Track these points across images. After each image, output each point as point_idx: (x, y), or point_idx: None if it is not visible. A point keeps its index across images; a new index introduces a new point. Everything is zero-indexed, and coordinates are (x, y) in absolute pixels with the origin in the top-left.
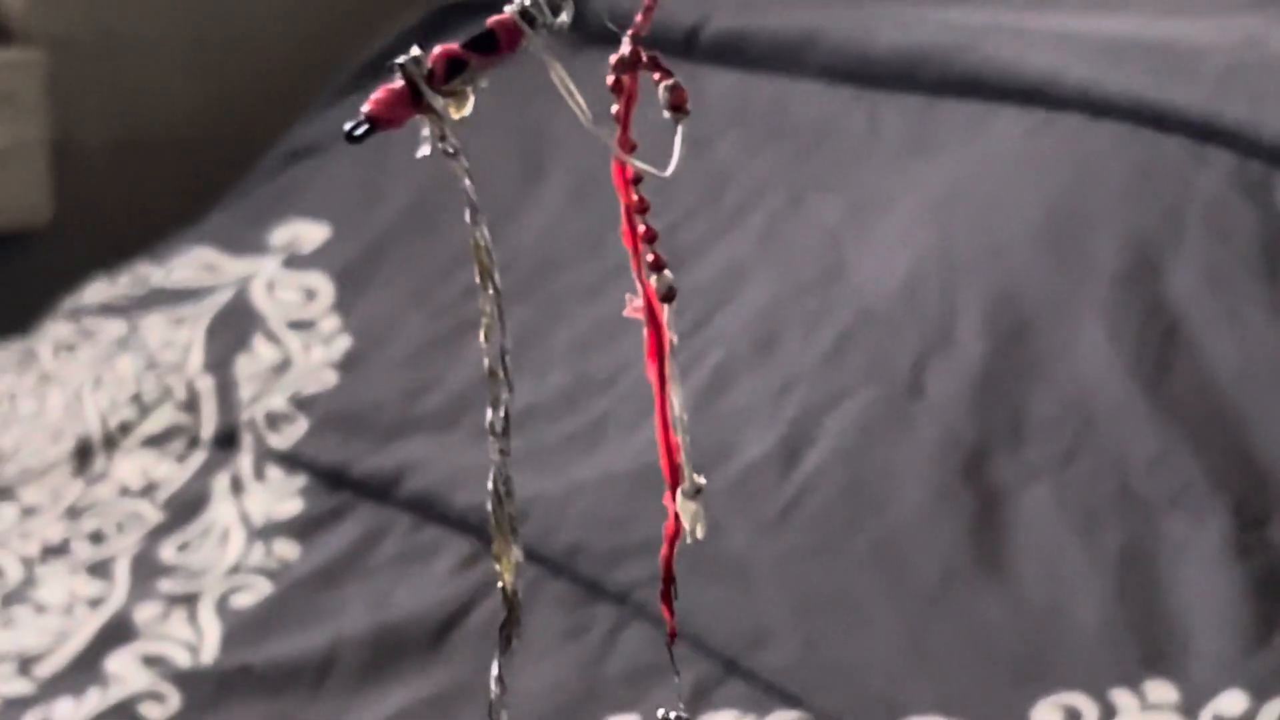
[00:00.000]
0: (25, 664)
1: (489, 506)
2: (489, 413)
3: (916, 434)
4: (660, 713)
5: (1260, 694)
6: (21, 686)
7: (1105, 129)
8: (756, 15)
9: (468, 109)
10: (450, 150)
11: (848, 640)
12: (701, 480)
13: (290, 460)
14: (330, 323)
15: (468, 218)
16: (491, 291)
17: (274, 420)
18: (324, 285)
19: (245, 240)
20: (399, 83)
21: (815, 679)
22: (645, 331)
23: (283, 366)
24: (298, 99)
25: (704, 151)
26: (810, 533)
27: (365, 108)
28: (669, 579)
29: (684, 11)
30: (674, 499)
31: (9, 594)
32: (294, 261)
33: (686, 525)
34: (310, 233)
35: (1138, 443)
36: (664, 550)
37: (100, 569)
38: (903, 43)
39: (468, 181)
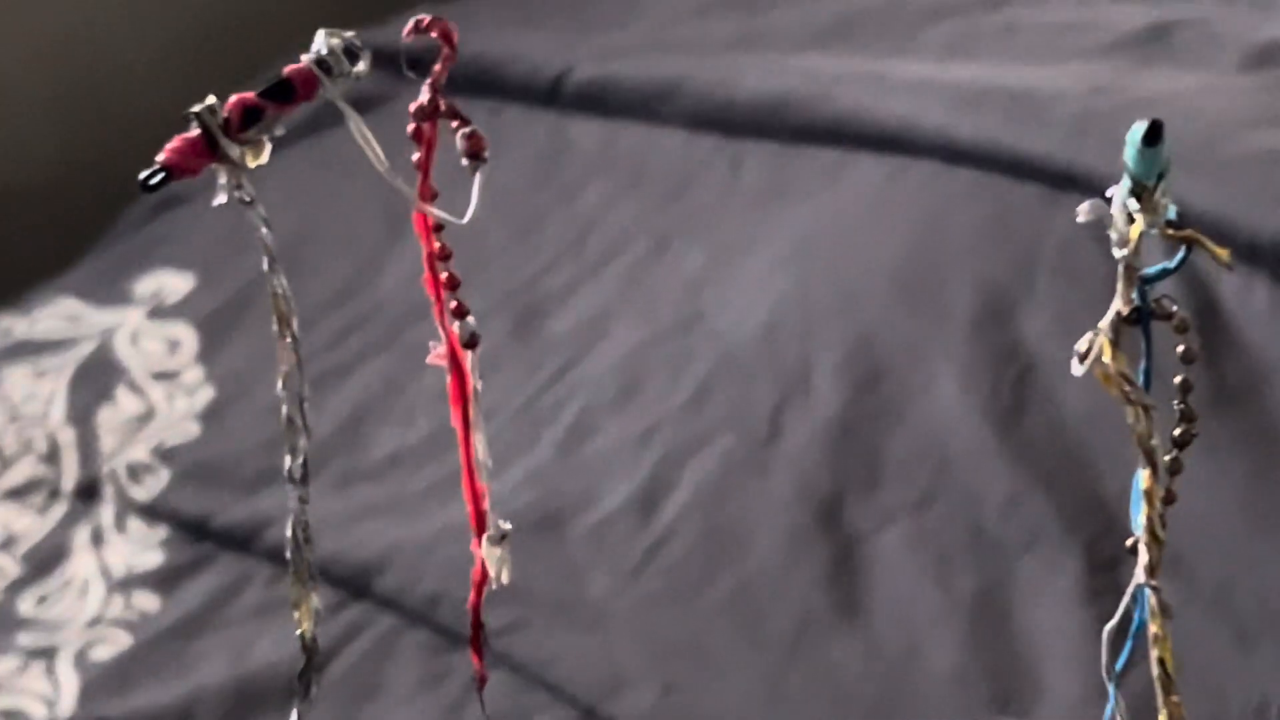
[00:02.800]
0: None
1: (288, 554)
2: (287, 460)
3: (774, 480)
4: None
5: None
6: None
7: (960, 175)
8: (621, 64)
9: (264, 157)
10: (246, 199)
11: (704, 687)
12: (506, 526)
13: (151, 512)
14: (193, 374)
15: (265, 266)
16: (289, 340)
17: (136, 472)
18: (188, 336)
19: (109, 291)
20: (195, 131)
21: None
22: (449, 378)
23: (145, 418)
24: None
25: (568, 200)
26: (668, 580)
27: (160, 156)
28: (477, 625)
29: (549, 60)
30: (480, 545)
31: None
32: (158, 312)
33: (492, 571)
34: (175, 283)
35: (991, 486)
36: (472, 597)
37: None
38: (763, 90)
39: (264, 230)
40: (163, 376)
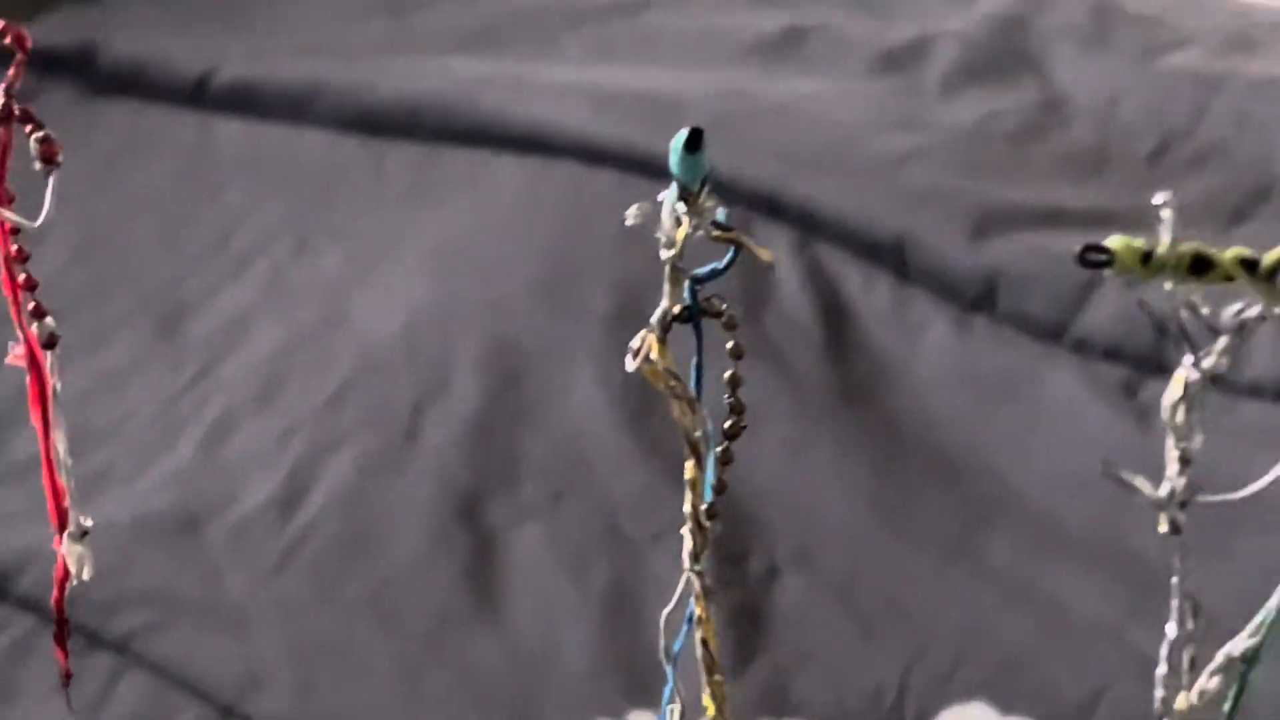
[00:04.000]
0: None
1: None
2: None
3: (413, 478)
4: None
5: None
6: None
7: (600, 177)
8: (265, 65)
9: None
10: None
11: (342, 687)
12: (88, 523)
13: None
14: None
15: None
16: None
17: None
18: None
19: None
20: None
21: None
22: (28, 379)
23: None
24: None
25: (212, 200)
26: (307, 579)
27: None
28: (62, 622)
29: (193, 60)
30: (61, 543)
31: None
32: None
33: (73, 569)
34: None
35: (624, 481)
36: (55, 594)
37: None
38: (405, 92)
39: None
40: None
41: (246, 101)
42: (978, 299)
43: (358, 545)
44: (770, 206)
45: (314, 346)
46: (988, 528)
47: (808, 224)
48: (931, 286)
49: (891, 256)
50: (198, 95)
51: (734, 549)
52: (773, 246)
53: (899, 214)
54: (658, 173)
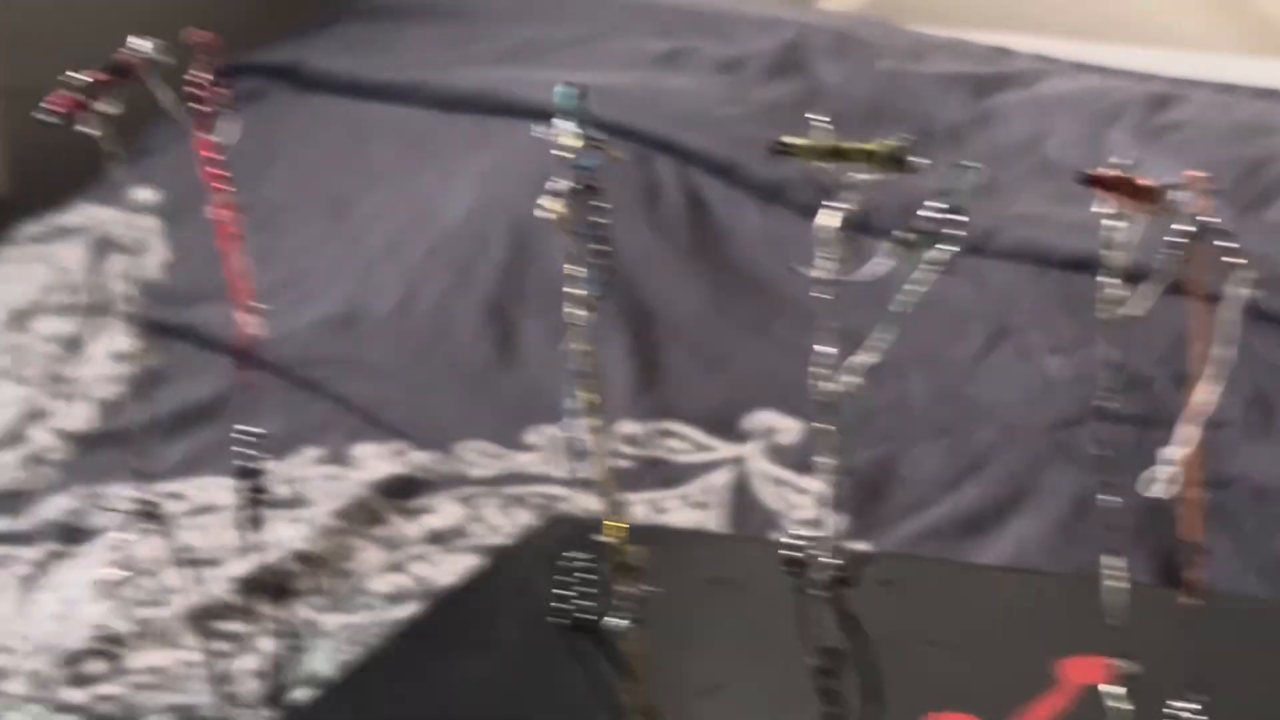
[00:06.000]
0: None
1: None
2: None
3: (467, 296)
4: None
5: (644, 419)
6: None
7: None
8: (391, 72)
9: None
10: None
11: (431, 404)
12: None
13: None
14: (158, 243)
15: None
16: None
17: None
18: (155, 224)
19: (119, 198)
20: None
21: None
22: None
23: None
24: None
25: (361, 145)
26: (410, 351)
27: None
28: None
29: (350, 69)
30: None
31: None
32: (137, 209)
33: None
34: (146, 195)
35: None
36: (243, 344)
37: None
38: (465, 87)
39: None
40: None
41: (380, 93)
42: (773, 194)
43: (437, 333)
44: (661, 145)
45: (416, 226)
46: (776, 313)
47: (681, 154)
48: (746, 188)
49: (725, 172)
50: (354, 89)
51: (643, 332)
52: (662, 172)
53: (730, 148)
54: (604, 127)
